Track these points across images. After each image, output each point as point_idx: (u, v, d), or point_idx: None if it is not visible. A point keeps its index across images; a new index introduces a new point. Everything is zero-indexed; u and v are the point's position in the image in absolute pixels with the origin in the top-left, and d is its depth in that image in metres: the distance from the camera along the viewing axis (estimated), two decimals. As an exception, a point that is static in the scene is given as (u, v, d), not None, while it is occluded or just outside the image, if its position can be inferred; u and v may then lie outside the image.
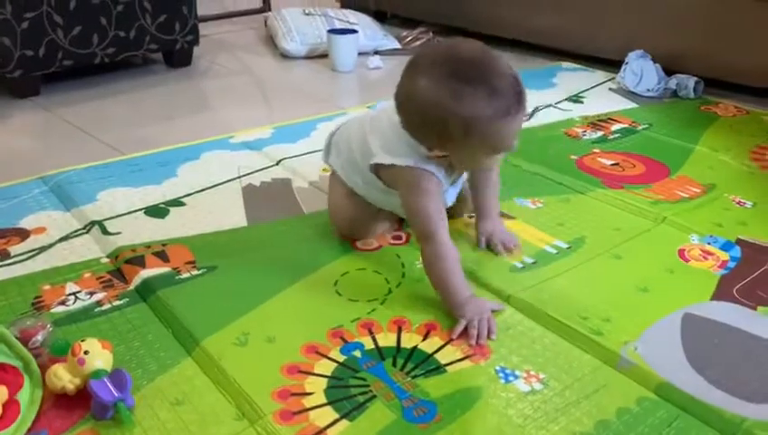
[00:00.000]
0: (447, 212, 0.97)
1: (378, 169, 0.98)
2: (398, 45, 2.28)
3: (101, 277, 1.00)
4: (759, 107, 1.75)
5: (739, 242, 1.10)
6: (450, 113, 0.83)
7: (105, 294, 0.96)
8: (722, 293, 0.97)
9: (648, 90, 1.82)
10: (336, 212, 1.10)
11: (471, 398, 0.77)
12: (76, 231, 1.13)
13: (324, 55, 2.15)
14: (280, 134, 1.53)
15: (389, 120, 0.95)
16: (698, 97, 1.82)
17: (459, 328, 0.87)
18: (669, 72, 1.86)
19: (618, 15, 1.97)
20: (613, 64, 1.96)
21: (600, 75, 1.99)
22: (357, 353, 0.84)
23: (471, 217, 1.13)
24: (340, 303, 0.94)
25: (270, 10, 2.64)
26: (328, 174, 1.33)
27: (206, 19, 2.55)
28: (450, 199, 1.04)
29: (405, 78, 0.89)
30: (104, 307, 0.93)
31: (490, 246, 1.07)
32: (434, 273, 0.92)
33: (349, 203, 1.07)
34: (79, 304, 0.94)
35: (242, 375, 0.80)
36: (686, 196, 1.26)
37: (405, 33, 2.38)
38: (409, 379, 0.80)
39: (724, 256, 1.06)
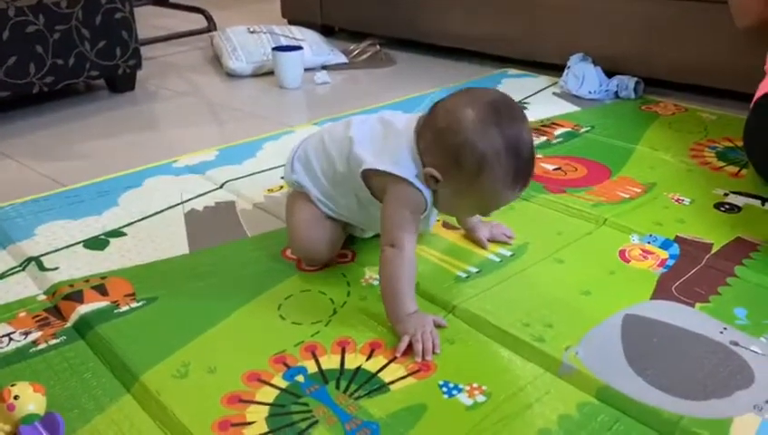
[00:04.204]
0: None
1: (369, 176, 0.97)
2: (345, 60, 2.28)
3: (37, 316, 0.97)
4: (697, 104, 1.80)
5: (678, 239, 1.12)
6: (472, 144, 0.87)
7: (41, 333, 0.93)
8: (661, 291, 0.99)
9: (591, 92, 1.85)
10: (304, 236, 1.05)
11: (414, 415, 0.77)
12: (12, 269, 1.10)
13: (271, 73, 2.14)
14: (224, 156, 1.52)
15: (398, 131, 0.96)
16: (639, 97, 1.86)
17: (403, 345, 0.87)
18: (610, 73, 1.90)
19: (556, 20, 2.00)
20: (557, 69, 1.99)
21: (543, 80, 2.01)
22: (300, 378, 0.83)
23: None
24: (284, 327, 0.93)
25: (215, 29, 2.62)
26: (273, 194, 1.33)
27: (150, 42, 2.52)
28: (432, 224, 1.05)
29: (453, 107, 0.91)
30: (40, 347, 0.90)
31: (492, 240, 1.13)
32: (388, 276, 0.92)
33: (321, 226, 1.05)
34: (13, 346, 0.91)
35: (181, 409, 0.78)
36: (627, 196, 1.28)
37: (352, 47, 2.38)
38: (352, 401, 0.79)
39: (664, 254, 1.08)
